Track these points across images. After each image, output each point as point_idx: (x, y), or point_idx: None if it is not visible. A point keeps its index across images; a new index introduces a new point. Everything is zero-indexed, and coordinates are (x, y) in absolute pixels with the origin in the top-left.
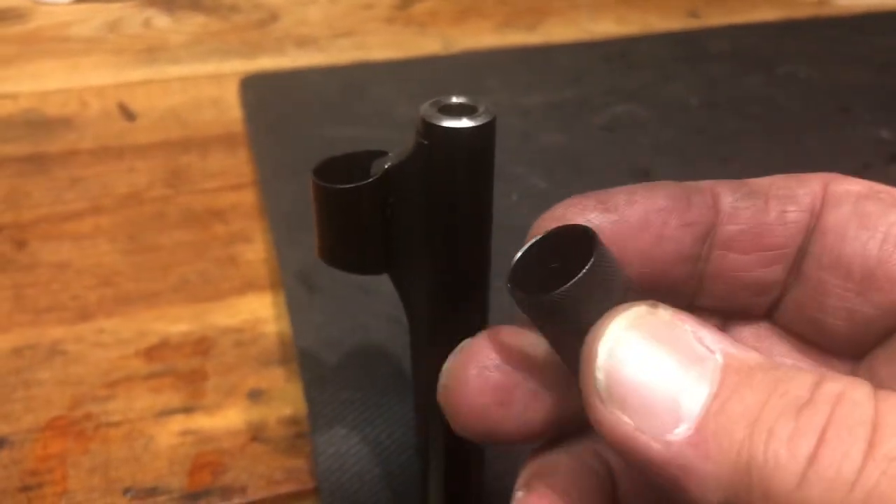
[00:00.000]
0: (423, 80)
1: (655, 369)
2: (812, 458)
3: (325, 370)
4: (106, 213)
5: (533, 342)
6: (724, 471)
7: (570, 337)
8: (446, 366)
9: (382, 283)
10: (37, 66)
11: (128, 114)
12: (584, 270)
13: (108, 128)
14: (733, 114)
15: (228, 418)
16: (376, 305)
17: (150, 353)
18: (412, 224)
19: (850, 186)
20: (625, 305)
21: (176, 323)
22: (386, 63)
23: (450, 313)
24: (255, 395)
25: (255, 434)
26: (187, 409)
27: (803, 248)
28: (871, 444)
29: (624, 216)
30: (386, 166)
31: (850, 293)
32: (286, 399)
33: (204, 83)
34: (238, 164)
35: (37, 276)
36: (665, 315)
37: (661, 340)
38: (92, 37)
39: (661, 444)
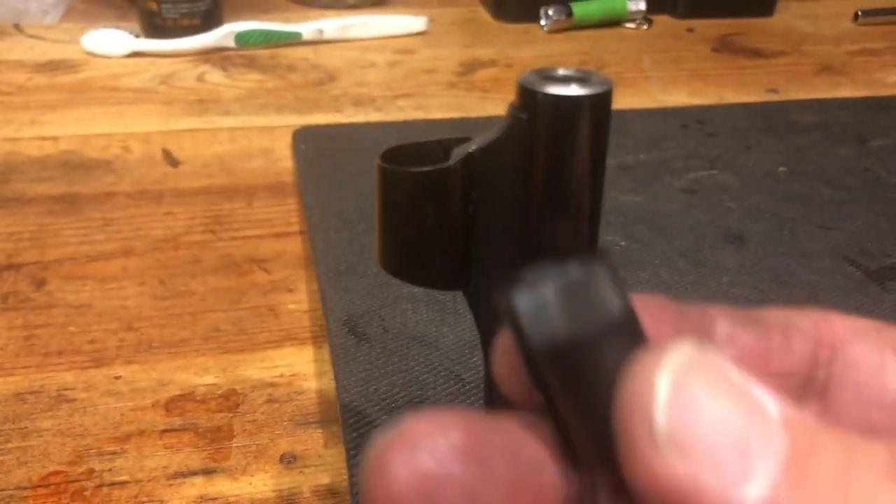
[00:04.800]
0: None
1: (721, 416)
2: None
3: (372, 432)
4: (136, 255)
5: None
6: None
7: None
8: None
9: (442, 335)
10: (82, 112)
11: (171, 160)
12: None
13: (149, 172)
14: (826, 184)
15: (255, 485)
16: (434, 359)
17: (170, 405)
18: (501, 224)
19: (857, 322)
20: (670, 341)
21: (202, 374)
22: (447, 120)
23: None
24: (289, 460)
25: None
26: (207, 472)
27: (810, 377)
28: None
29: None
30: (471, 149)
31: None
32: (324, 466)
33: (254, 134)
34: (285, 213)
35: (52, 316)
36: (716, 358)
37: (719, 384)
38: (142, 88)
39: (734, 498)
